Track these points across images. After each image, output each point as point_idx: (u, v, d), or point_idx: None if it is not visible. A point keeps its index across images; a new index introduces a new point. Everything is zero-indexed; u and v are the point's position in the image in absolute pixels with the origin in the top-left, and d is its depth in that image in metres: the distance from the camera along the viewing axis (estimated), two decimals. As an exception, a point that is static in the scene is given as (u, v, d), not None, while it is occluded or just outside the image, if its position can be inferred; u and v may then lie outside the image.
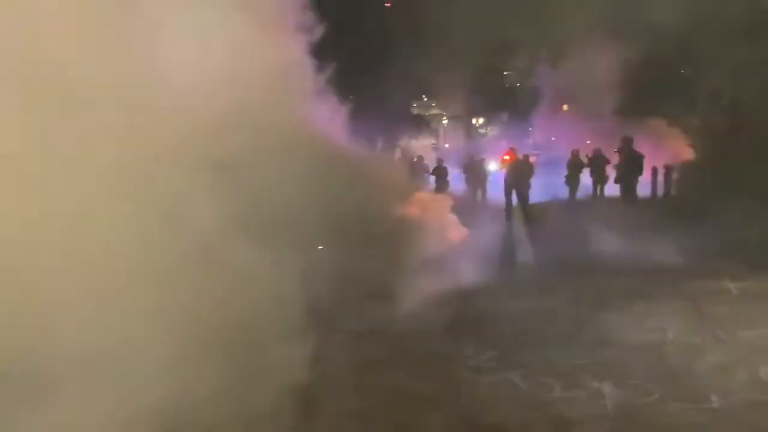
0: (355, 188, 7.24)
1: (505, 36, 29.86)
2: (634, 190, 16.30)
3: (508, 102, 38.39)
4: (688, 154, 17.42)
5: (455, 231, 10.86)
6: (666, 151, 19.79)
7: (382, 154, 10.84)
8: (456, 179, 25.55)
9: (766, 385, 4.39)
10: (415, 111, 52.31)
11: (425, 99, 54.38)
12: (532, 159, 31.24)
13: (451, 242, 10.10)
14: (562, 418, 4.11)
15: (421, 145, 43.99)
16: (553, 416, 4.13)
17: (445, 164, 26.56)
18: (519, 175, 15.83)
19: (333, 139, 8.02)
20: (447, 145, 47.54)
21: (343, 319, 6.19)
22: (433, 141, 46.58)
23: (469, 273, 7.74)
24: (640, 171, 16.49)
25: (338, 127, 8.61)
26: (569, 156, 22.29)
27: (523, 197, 15.71)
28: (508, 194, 15.89)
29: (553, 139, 32.49)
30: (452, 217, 11.46)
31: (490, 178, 21.47)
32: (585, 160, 20.72)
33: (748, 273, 7.97)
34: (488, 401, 4.37)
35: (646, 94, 23.18)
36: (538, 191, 23.72)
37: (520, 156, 16.94)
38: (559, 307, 6.52)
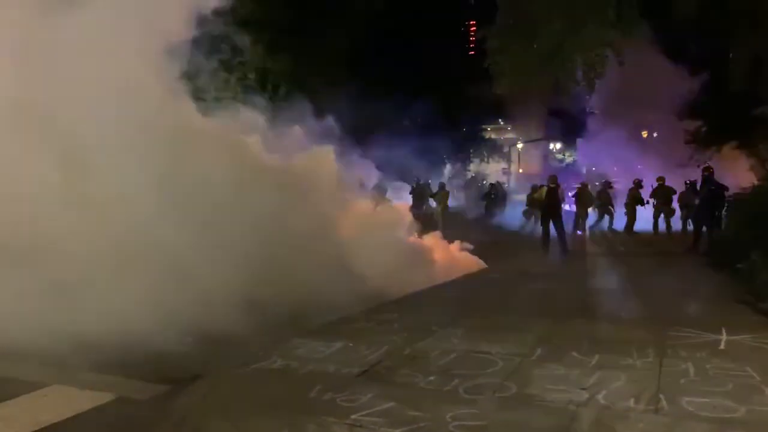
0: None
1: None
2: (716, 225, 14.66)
3: (583, 128, 36.95)
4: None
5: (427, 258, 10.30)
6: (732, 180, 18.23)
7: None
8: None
9: (677, 469, 3.67)
10: (489, 135, 51.68)
11: (501, 123, 53.65)
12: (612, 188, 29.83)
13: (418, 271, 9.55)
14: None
15: (492, 169, 43.33)
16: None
17: (504, 187, 25.92)
18: (556, 205, 14.98)
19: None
20: (521, 170, 46.52)
21: (263, 355, 5.89)
22: (504, 165, 45.66)
23: (429, 308, 7.24)
24: (721, 205, 15.02)
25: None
26: (631, 185, 21.17)
27: (560, 228, 14.84)
28: (545, 224, 15.10)
29: (639, 167, 31.06)
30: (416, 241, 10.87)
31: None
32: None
33: (756, 326, 7.04)
34: (344, 464, 3.90)
35: (721, 120, 21.52)
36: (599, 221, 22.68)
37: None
38: (506, 354, 5.90)
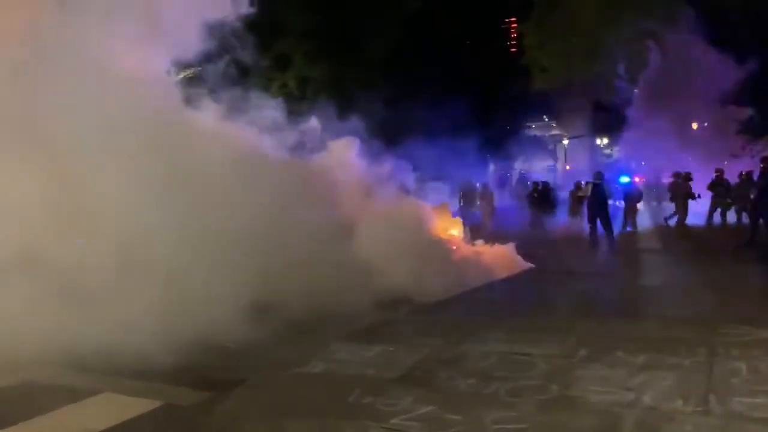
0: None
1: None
2: None
3: (629, 122, 35.92)
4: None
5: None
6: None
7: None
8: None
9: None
10: (534, 132, 50.96)
11: (546, 120, 52.81)
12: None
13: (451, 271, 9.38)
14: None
15: (538, 167, 42.75)
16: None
17: (551, 186, 25.34)
18: (603, 201, 14.65)
19: None
20: (568, 167, 45.63)
21: (304, 359, 5.94)
22: (550, 163, 44.96)
23: (470, 309, 7.18)
24: None
25: None
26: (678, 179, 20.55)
27: (607, 225, 14.51)
28: (591, 221, 14.81)
29: (690, 159, 30.20)
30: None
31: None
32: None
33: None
34: (382, 469, 3.90)
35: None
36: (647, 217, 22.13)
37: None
38: (548, 356, 5.79)
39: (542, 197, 24.16)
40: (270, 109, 9.35)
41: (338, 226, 8.43)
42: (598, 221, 14.70)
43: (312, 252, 7.41)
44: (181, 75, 12.21)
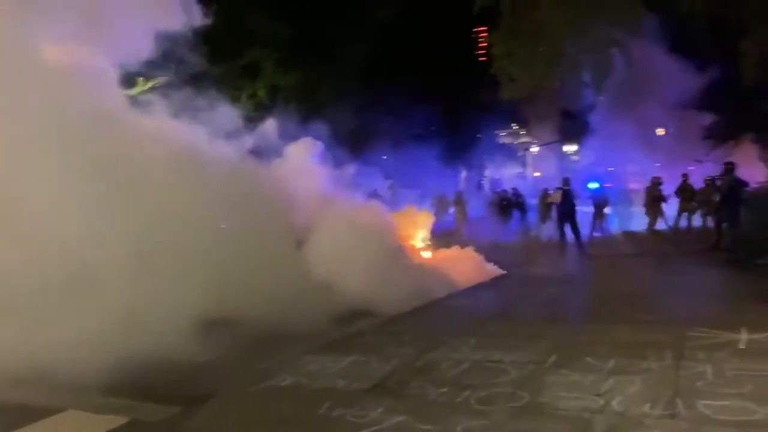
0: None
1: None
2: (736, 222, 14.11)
3: (594, 128, 36.43)
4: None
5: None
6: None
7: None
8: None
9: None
10: (503, 140, 51.41)
11: (514, 127, 53.37)
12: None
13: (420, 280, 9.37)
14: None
15: (508, 174, 43.10)
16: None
17: (520, 193, 25.49)
18: (571, 207, 14.83)
19: None
20: (536, 174, 46.13)
21: (273, 372, 5.87)
22: (519, 170, 45.43)
23: (441, 318, 7.17)
24: (741, 201, 14.55)
25: None
26: (648, 184, 20.85)
27: (576, 231, 14.69)
28: (560, 227, 14.97)
29: (657, 164, 30.73)
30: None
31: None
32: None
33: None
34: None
35: (735, 114, 21.24)
36: (616, 222, 22.44)
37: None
38: (519, 362, 5.81)
39: (511, 204, 24.38)
40: (226, 114, 9.18)
41: (295, 235, 8.27)
42: (567, 226, 14.87)
43: (268, 263, 7.26)
44: (149, 85, 12.07)
